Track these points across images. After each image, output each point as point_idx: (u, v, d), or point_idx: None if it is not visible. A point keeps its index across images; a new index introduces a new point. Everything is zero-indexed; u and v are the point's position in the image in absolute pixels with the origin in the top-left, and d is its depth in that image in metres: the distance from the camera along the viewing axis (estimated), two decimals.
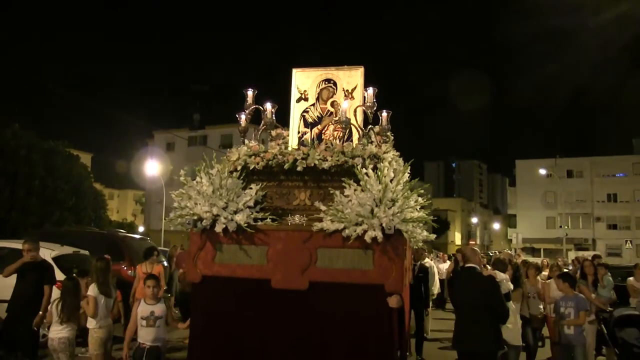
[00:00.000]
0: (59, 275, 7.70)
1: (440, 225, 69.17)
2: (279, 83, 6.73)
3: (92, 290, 6.02)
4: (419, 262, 9.24)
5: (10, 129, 22.95)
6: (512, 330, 6.15)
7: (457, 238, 78.14)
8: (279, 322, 5.24)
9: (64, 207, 24.49)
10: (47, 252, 8.79)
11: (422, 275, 9.32)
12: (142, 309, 5.54)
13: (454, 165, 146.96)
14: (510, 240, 60.08)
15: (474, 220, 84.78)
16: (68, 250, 9.51)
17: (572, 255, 27.79)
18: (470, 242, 68.01)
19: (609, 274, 8.89)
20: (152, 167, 30.98)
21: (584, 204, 56.71)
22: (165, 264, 12.15)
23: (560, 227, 49.76)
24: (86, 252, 9.72)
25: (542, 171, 51.25)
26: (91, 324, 5.94)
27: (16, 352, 6.16)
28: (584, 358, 6.69)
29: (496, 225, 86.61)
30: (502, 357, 5.88)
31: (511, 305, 6.15)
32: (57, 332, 5.75)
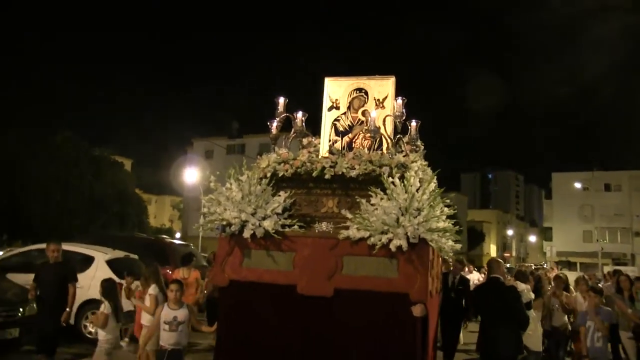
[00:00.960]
0: (111, 276, 8.14)
1: (476, 237, 68.19)
2: (315, 92, 6.71)
3: (154, 289, 6.34)
4: (458, 275, 8.87)
5: (61, 136, 23.69)
6: (532, 337, 6.48)
7: (493, 250, 76.49)
8: (303, 328, 5.18)
9: (110, 212, 25.09)
10: (102, 256, 9.47)
11: (462, 287, 8.78)
12: (166, 313, 5.58)
13: (490, 176, 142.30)
14: (545, 253, 58.52)
15: (510, 232, 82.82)
16: (120, 254, 9.96)
17: (607, 269, 26.82)
18: (505, 255, 66.53)
19: None
20: (191, 175, 31.38)
21: (622, 218, 54.76)
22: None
23: (598, 240, 48.15)
24: (135, 257, 10.11)
25: (578, 185, 49.78)
26: (147, 320, 6.22)
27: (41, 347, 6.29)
28: None
29: (532, 238, 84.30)
30: None
31: (532, 313, 6.46)
32: (112, 331, 6.10)
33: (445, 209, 5.20)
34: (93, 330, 8.82)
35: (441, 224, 4.94)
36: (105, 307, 6.12)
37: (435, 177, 6.31)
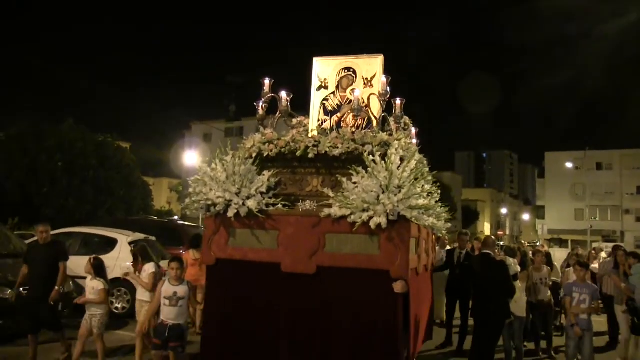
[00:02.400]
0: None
1: (470, 216, 67.62)
2: (305, 72, 6.51)
3: (153, 267, 6.36)
4: (464, 250, 8.16)
5: (66, 124, 23.53)
6: (517, 304, 6.84)
7: (487, 228, 76.14)
8: (287, 304, 5.08)
9: (115, 196, 24.97)
10: (124, 238, 9.75)
11: (469, 263, 7.85)
12: (166, 289, 5.47)
13: (484, 155, 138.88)
14: (537, 231, 58.46)
15: (504, 210, 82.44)
16: (140, 236, 10.06)
17: (595, 245, 26.70)
18: (499, 233, 66.51)
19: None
20: (191, 157, 30.85)
21: (612, 196, 54.48)
22: None
23: (591, 218, 48.00)
24: (153, 238, 10.30)
25: (569, 165, 49.47)
26: (146, 296, 6.24)
27: (40, 330, 6.18)
28: (591, 344, 6.42)
29: (526, 216, 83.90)
30: (509, 325, 6.72)
31: (517, 284, 6.86)
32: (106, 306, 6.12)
33: (426, 186, 5.04)
34: (119, 306, 9.09)
35: (421, 201, 4.78)
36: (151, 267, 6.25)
37: (421, 155, 6.19)
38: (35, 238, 7.36)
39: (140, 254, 6.53)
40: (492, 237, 7.78)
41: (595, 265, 10.10)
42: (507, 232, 79.77)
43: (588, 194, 49.81)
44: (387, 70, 6.15)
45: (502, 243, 34.31)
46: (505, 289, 6.21)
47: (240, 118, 50.34)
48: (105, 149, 24.57)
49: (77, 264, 7.38)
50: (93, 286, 6.00)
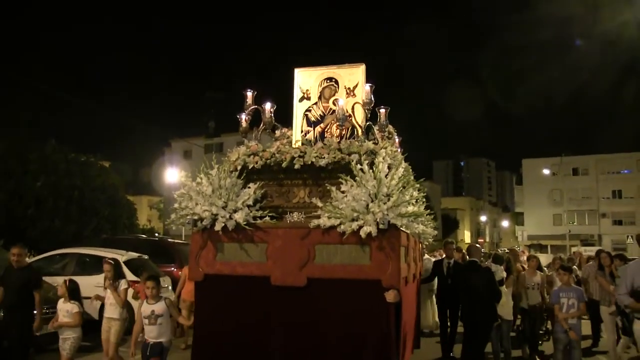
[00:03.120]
0: (129, 276, 8.45)
1: (450, 225, 67.75)
2: (286, 83, 6.38)
3: (125, 283, 6.30)
4: (452, 260, 8.01)
5: (49, 144, 23.13)
6: (504, 307, 7.07)
7: (467, 236, 76.45)
8: (279, 318, 4.90)
9: (101, 216, 24.51)
10: (119, 257, 9.40)
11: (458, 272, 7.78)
12: (144, 308, 5.35)
13: (462, 163, 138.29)
14: (517, 237, 58.79)
15: (483, 218, 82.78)
16: (133, 255, 10.10)
17: (574, 249, 26.89)
18: (479, 241, 66.64)
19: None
20: (172, 174, 30.45)
21: (589, 201, 55.12)
22: None
23: (569, 223, 48.41)
24: (146, 257, 10.34)
25: (546, 171, 49.94)
26: (117, 313, 6.07)
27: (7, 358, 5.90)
28: (580, 349, 6.41)
29: (505, 223, 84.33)
30: (497, 328, 7.05)
31: (504, 289, 7.11)
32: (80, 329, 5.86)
33: (415, 193, 4.91)
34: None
35: (410, 209, 4.65)
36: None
37: (407, 163, 6.08)
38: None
39: (113, 271, 6.28)
40: (476, 244, 7.79)
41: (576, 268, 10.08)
42: (487, 239, 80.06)
43: (565, 199, 50.38)
44: (369, 79, 6.06)
45: (483, 250, 34.32)
46: (492, 293, 6.51)
47: (219, 134, 49.65)
48: (89, 169, 24.15)
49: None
50: (67, 309, 5.77)
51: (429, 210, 6.71)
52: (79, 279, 6.63)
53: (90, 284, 7.90)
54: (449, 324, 7.84)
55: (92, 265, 9.71)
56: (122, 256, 9.72)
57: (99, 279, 5.98)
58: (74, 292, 5.86)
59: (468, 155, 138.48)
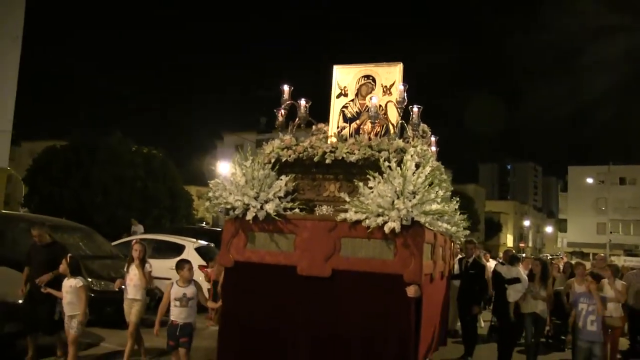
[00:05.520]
0: (200, 261, 9.62)
1: (493, 228, 65.46)
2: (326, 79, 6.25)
3: (150, 267, 6.19)
4: (472, 258, 7.62)
5: (115, 137, 23.95)
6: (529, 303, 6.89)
7: (509, 240, 73.72)
8: (303, 307, 4.79)
9: (162, 206, 25.17)
10: (191, 244, 10.37)
11: (474, 272, 7.51)
12: (175, 290, 5.31)
13: (508, 167, 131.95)
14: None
15: (527, 223, 79.56)
16: (203, 242, 10.76)
17: (617, 260, 25.36)
18: (521, 245, 64.20)
19: None
20: (224, 167, 30.65)
21: (636, 210, 52.01)
22: None
23: (611, 232, 45.83)
24: (212, 244, 10.83)
25: (590, 180, 47.46)
26: (140, 295, 6.00)
27: (37, 331, 5.86)
28: (602, 354, 5.95)
29: (549, 229, 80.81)
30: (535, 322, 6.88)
31: (515, 287, 6.91)
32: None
33: (440, 192, 4.67)
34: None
35: (435, 207, 4.42)
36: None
37: (439, 162, 5.83)
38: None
39: (144, 252, 6.19)
40: (511, 250, 7.61)
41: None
42: (530, 244, 77.03)
43: (610, 208, 47.74)
44: (410, 79, 5.86)
45: (523, 254, 33.08)
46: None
47: (271, 130, 49.86)
48: (151, 161, 24.85)
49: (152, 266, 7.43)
50: (71, 284, 5.50)
51: (456, 209, 6.41)
52: (154, 262, 6.73)
53: (165, 266, 8.31)
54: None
55: (167, 250, 10.25)
56: (193, 243, 10.28)
57: (173, 262, 5.93)
58: (75, 268, 5.64)
59: (515, 159, 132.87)
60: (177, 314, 5.24)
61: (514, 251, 7.35)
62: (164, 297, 5.46)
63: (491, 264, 15.00)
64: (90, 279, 7.53)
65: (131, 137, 25.31)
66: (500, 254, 15.73)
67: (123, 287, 6.14)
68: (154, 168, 24.80)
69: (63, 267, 5.61)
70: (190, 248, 10.10)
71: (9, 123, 17.65)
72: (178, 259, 8.89)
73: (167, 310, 5.39)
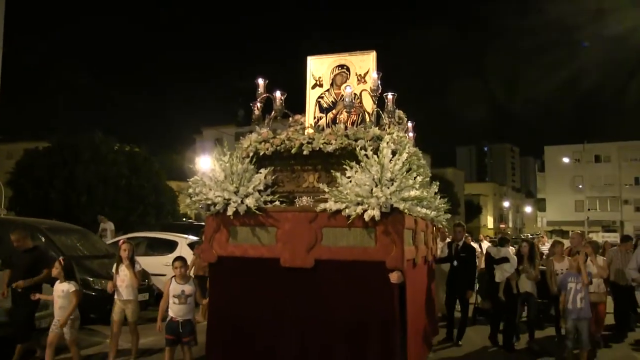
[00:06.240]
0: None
1: (473, 210, 65.69)
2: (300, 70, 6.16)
3: (140, 265, 6.11)
4: (461, 242, 7.35)
5: (97, 136, 23.58)
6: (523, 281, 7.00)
7: (490, 222, 74.27)
8: (288, 298, 4.76)
9: (146, 203, 24.90)
10: (184, 240, 10.30)
11: (465, 255, 7.25)
12: (173, 287, 5.22)
13: (485, 149, 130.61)
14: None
15: (506, 204, 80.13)
16: (194, 238, 10.37)
17: (596, 237, 25.80)
18: (501, 226, 64.85)
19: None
20: (204, 162, 30.38)
21: (612, 187, 52.92)
22: None
23: (589, 209, 46.64)
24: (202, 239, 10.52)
25: (566, 160, 48.09)
26: (133, 295, 5.87)
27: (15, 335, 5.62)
28: (589, 331, 5.95)
29: (528, 209, 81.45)
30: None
31: (503, 266, 6.97)
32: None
33: (419, 178, 4.65)
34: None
35: (414, 193, 4.40)
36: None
37: (416, 148, 5.81)
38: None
39: (132, 251, 5.98)
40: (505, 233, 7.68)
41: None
42: (510, 224, 77.78)
43: (587, 186, 48.55)
44: (386, 66, 5.80)
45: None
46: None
47: (249, 123, 49.39)
48: (134, 159, 24.55)
49: (145, 263, 7.35)
50: (63, 289, 5.31)
51: (435, 193, 6.40)
52: (149, 259, 6.53)
53: (160, 263, 8.36)
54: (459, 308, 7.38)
55: (160, 247, 10.20)
56: (185, 239, 10.18)
57: (167, 259, 5.74)
58: (69, 272, 5.46)
59: (492, 141, 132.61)
60: (176, 311, 5.16)
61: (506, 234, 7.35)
62: (164, 294, 5.37)
63: (484, 245, 15.07)
64: (91, 278, 7.61)
65: (110, 134, 24.99)
66: (481, 236, 15.84)
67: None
68: (138, 165, 24.51)
69: (57, 270, 5.39)
70: (183, 244, 10.05)
71: None
72: (172, 255, 8.69)
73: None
